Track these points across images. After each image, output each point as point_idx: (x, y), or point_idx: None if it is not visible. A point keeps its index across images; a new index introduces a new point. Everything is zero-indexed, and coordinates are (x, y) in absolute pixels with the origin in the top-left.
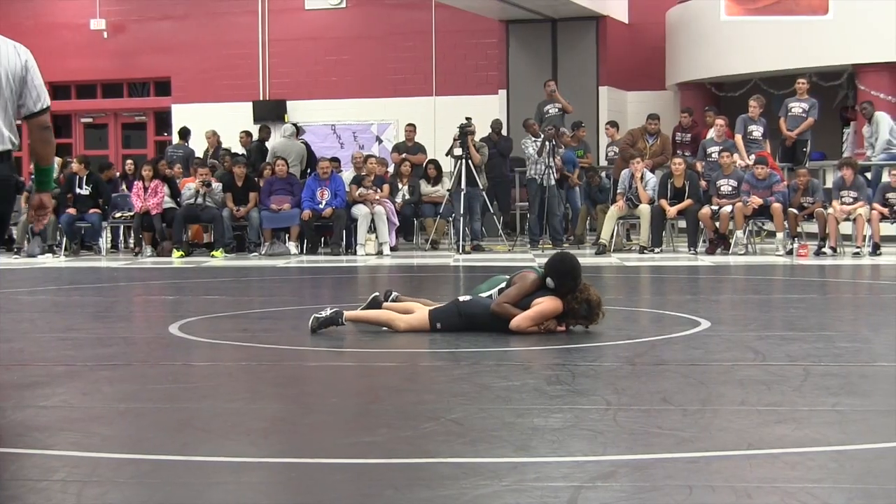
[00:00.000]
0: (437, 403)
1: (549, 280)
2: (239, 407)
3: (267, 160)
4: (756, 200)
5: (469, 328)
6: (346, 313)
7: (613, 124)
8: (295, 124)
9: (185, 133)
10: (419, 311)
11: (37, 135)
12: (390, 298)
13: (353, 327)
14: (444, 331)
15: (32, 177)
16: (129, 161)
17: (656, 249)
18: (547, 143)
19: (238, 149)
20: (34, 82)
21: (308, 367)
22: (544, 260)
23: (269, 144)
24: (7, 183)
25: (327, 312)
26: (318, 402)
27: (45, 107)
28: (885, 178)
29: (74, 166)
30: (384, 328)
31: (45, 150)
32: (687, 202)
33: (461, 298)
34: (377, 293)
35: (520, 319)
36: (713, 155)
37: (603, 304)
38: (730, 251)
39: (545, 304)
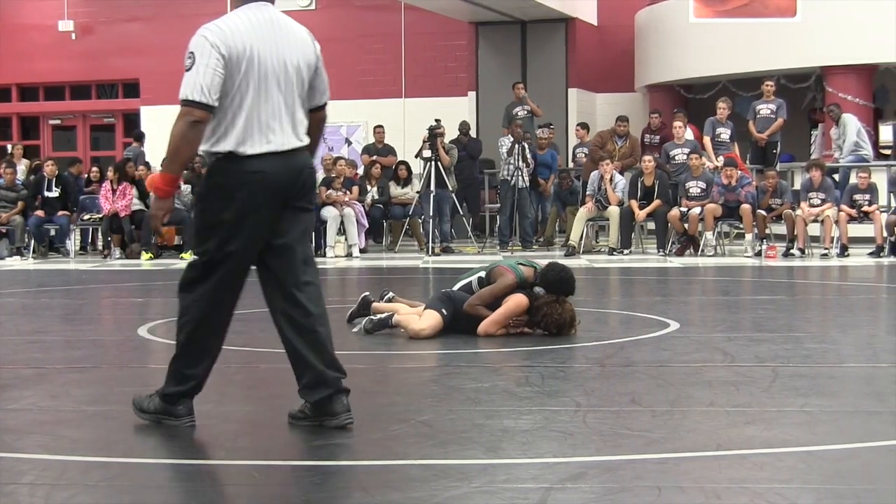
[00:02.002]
0: (407, 405)
1: (539, 290)
2: (208, 409)
3: None
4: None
5: (453, 319)
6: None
7: (584, 126)
8: None
9: (138, 136)
10: (425, 313)
11: (317, 126)
12: (385, 299)
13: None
14: (450, 318)
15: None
16: (94, 168)
17: (625, 251)
18: (517, 144)
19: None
20: (323, 73)
21: (278, 370)
22: (510, 260)
23: None
24: (312, 171)
25: (381, 316)
26: (287, 404)
27: (327, 100)
28: (853, 179)
29: (46, 169)
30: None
31: (318, 141)
32: (656, 203)
33: (448, 289)
34: (367, 293)
35: (487, 325)
36: (676, 158)
37: (577, 320)
38: (699, 253)
39: (510, 304)
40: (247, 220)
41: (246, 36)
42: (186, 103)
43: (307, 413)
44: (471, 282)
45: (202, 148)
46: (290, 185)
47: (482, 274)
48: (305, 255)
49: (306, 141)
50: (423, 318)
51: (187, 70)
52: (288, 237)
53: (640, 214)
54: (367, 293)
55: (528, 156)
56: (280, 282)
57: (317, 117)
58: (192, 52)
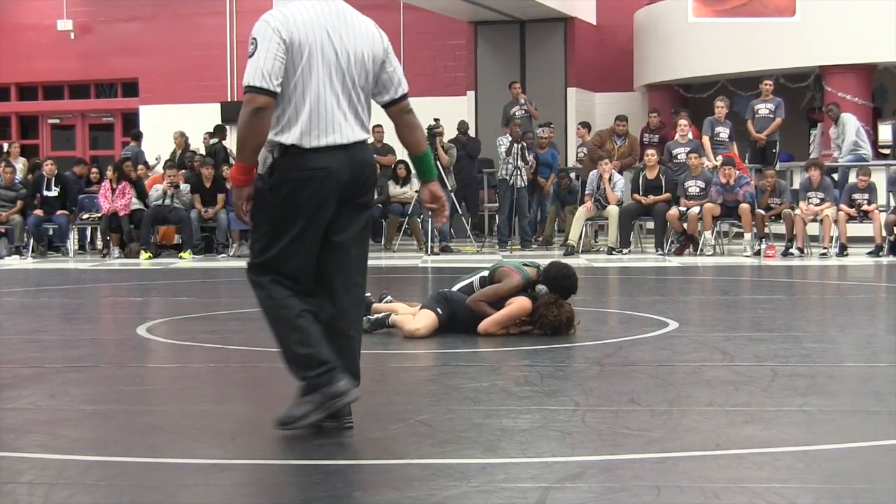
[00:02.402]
0: (406, 405)
1: (542, 287)
2: (207, 409)
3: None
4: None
5: (450, 318)
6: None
7: (585, 125)
8: None
9: (136, 135)
10: (420, 313)
11: (401, 120)
12: (384, 300)
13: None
14: (446, 317)
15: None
16: (94, 169)
17: (624, 250)
18: (515, 144)
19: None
20: (393, 65)
21: (277, 369)
22: (515, 261)
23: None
24: (374, 167)
25: (378, 315)
26: (286, 403)
27: (405, 92)
28: (852, 178)
29: (46, 168)
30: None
31: (414, 135)
32: (666, 195)
33: (446, 289)
34: (368, 294)
35: (488, 324)
36: (679, 156)
37: (576, 321)
38: (698, 252)
39: (514, 307)
40: (310, 217)
41: (309, 23)
42: (248, 90)
43: None
44: (472, 282)
45: (269, 137)
46: (354, 180)
47: (484, 273)
48: (359, 256)
49: (369, 135)
50: (419, 318)
51: (250, 56)
52: (344, 235)
53: (648, 200)
54: (367, 294)
55: (529, 155)
56: (327, 279)
57: (394, 110)
58: (254, 38)
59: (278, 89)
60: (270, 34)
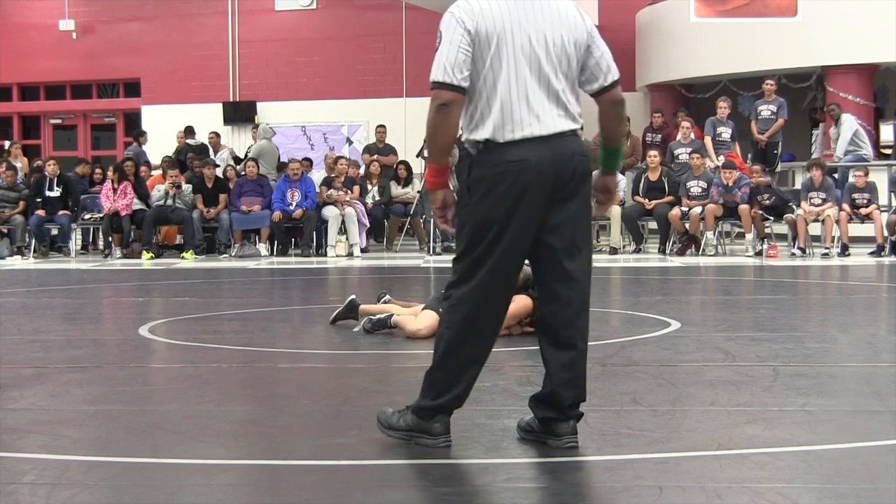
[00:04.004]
0: (408, 405)
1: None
2: (209, 409)
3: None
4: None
5: None
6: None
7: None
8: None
9: (138, 135)
10: (423, 313)
11: (612, 112)
12: (382, 301)
13: (323, 329)
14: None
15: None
16: (97, 169)
17: (640, 247)
18: None
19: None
20: (601, 50)
21: (278, 369)
22: None
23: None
24: (583, 158)
25: (380, 315)
26: (288, 403)
27: (616, 79)
28: (851, 178)
29: (48, 168)
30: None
31: (617, 129)
32: (668, 198)
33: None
34: (353, 296)
35: None
36: (681, 157)
37: None
38: (700, 252)
39: (517, 305)
40: (511, 214)
41: (497, 11)
42: (434, 86)
43: (533, 427)
44: None
45: (465, 136)
46: (558, 173)
47: None
48: (570, 254)
49: (577, 124)
50: (420, 318)
51: (437, 50)
52: (554, 234)
53: (650, 204)
54: (353, 296)
55: None
56: (543, 282)
57: (604, 99)
58: (440, 32)
59: (464, 83)
60: (454, 25)
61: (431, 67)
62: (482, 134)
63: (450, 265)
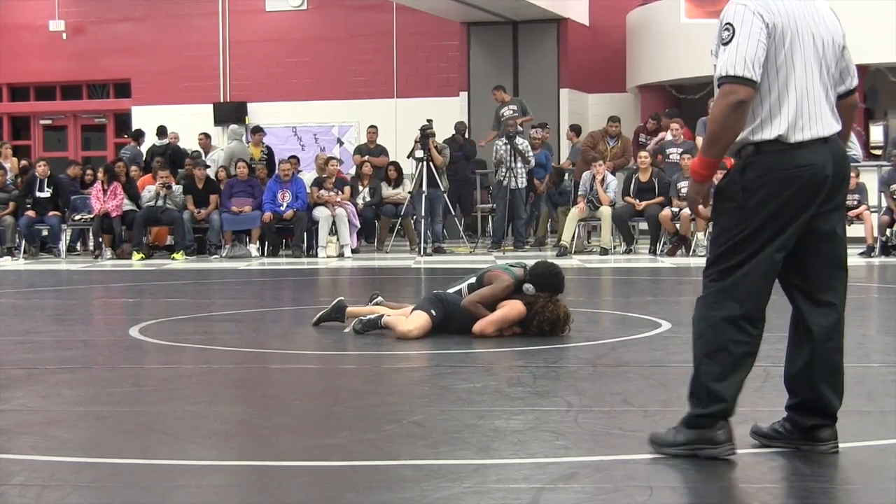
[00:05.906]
0: (399, 406)
1: (528, 286)
2: (200, 410)
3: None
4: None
5: (445, 320)
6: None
7: (574, 128)
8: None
9: (137, 135)
10: (413, 314)
11: (848, 114)
12: (373, 301)
13: (315, 329)
14: (440, 319)
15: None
16: (88, 170)
17: (631, 248)
18: (509, 140)
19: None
20: (850, 52)
21: (269, 370)
22: (506, 261)
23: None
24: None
25: (371, 316)
26: (279, 404)
27: (857, 84)
28: None
29: (39, 169)
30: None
31: (849, 132)
32: (659, 199)
33: (440, 291)
34: (341, 298)
35: (483, 325)
36: (672, 156)
37: (570, 319)
38: (690, 253)
39: (509, 310)
40: (789, 220)
41: (788, 6)
42: (728, 80)
43: (782, 433)
44: (461, 289)
45: (741, 135)
46: (835, 175)
47: (472, 280)
48: (834, 262)
49: (839, 125)
50: (411, 319)
51: (725, 44)
52: (816, 241)
53: (640, 206)
54: (341, 298)
55: (527, 154)
56: (800, 290)
57: (846, 102)
58: (728, 24)
59: (759, 79)
60: (751, 18)
61: (723, 59)
62: (771, 133)
63: (441, 266)
